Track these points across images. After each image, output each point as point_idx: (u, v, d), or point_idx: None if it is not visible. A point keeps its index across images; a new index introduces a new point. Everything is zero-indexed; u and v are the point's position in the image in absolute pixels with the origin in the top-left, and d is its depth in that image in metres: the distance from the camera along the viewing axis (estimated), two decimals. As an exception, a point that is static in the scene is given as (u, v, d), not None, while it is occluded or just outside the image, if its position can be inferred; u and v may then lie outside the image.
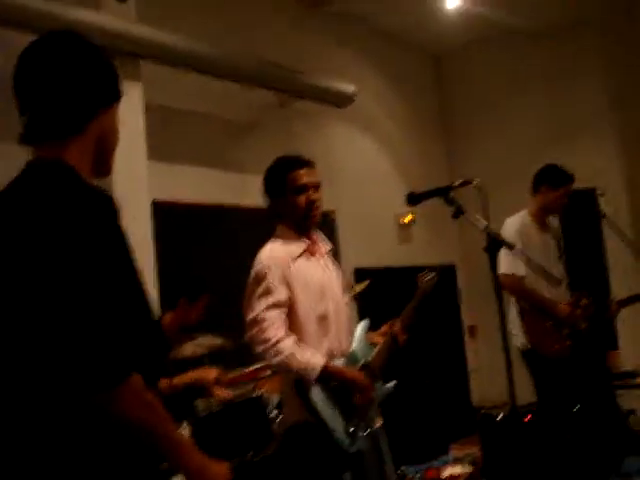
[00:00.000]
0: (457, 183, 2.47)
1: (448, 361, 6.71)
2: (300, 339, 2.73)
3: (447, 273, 7.03)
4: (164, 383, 3.23)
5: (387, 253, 6.61)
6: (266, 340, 2.66)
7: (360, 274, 5.75)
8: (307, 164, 2.93)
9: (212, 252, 4.99)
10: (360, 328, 3.01)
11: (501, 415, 4.72)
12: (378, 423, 2.93)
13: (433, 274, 3.19)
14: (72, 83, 1.60)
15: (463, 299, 7.38)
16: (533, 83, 6.88)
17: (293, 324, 2.76)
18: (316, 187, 2.90)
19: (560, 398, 4.24)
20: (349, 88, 5.89)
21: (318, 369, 2.66)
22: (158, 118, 4.61)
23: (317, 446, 2.72)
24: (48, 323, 1.40)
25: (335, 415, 2.71)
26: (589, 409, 4.34)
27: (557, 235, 4.46)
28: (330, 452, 2.70)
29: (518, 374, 2.38)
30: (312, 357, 2.69)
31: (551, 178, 4.32)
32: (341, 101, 5.92)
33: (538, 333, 4.25)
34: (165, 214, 4.61)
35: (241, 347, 3.69)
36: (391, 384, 3.02)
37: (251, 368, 4.10)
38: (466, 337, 7.34)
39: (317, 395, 2.68)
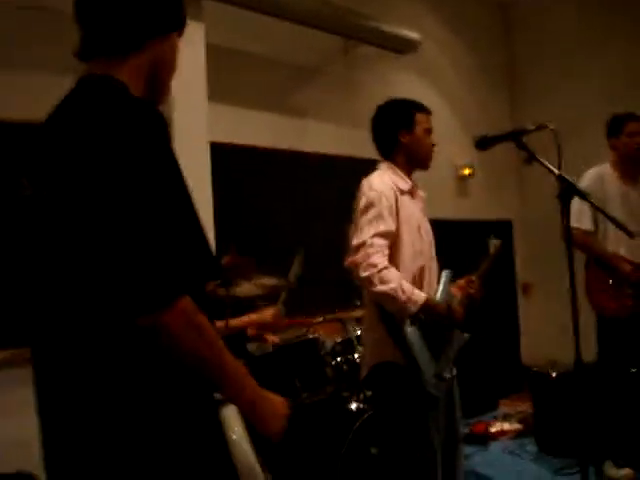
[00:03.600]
0: (531, 127, 2.35)
1: (500, 318, 6.63)
2: None
3: (504, 229, 6.90)
4: (220, 324, 3.26)
5: (445, 205, 6.51)
6: (373, 265, 2.59)
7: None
8: (430, 112, 3.01)
9: (269, 196, 4.98)
10: (444, 276, 2.98)
11: (554, 373, 4.67)
12: (453, 371, 2.94)
13: (499, 241, 3.26)
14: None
15: (517, 255, 7.25)
16: (605, 34, 6.55)
17: (392, 257, 2.72)
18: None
19: (618, 359, 4.13)
20: (414, 34, 5.76)
21: (420, 302, 2.63)
22: (219, 59, 4.56)
23: (405, 385, 2.71)
24: (97, 241, 1.34)
25: (427, 356, 2.69)
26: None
27: None
28: (417, 392, 2.69)
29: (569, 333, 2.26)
30: (415, 290, 2.66)
31: (614, 123, 4.24)
32: (405, 47, 5.78)
33: (598, 290, 4.17)
34: (223, 156, 4.58)
35: (296, 289, 3.70)
36: (467, 335, 3.00)
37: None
38: (519, 294, 7.24)
39: (412, 334, 2.65)
